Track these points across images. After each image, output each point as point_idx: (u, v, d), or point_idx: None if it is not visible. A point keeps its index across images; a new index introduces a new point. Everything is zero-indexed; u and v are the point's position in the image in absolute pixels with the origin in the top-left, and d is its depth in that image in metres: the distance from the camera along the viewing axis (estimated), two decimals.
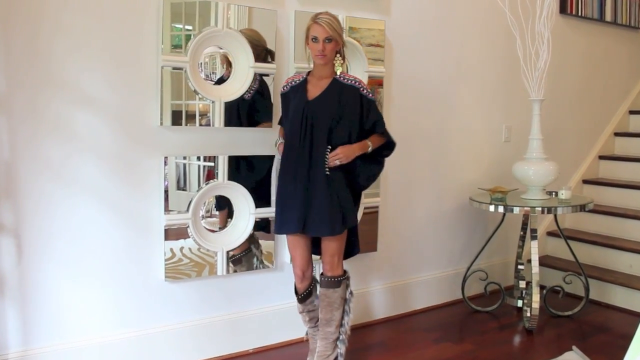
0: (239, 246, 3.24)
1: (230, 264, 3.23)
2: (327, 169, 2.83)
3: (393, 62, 3.78)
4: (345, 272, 3.00)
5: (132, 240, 2.97)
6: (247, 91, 3.15)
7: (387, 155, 3.05)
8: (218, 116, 3.08)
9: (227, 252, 3.20)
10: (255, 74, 3.16)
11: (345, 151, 2.83)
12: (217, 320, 3.25)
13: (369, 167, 2.99)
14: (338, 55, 2.89)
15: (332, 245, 2.91)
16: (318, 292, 3.03)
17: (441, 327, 3.83)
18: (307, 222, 2.85)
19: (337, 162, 2.83)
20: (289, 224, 2.88)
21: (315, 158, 2.83)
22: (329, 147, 2.83)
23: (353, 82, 2.90)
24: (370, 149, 2.90)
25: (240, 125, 3.18)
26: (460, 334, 3.78)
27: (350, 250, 3.08)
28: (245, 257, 3.31)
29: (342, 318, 2.98)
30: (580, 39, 4.99)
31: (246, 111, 3.18)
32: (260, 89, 3.20)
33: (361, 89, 2.89)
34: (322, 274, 2.99)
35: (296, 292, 3.07)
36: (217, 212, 3.23)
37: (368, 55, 3.55)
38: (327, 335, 2.97)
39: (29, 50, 2.64)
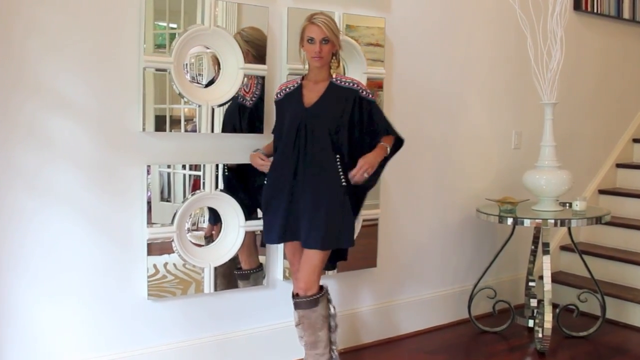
0: (249, 262, 3.31)
1: (239, 280, 3.30)
2: (343, 180, 2.90)
3: (394, 62, 3.79)
4: (321, 287, 3.01)
5: (112, 255, 2.97)
6: (241, 96, 3.17)
7: (394, 154, 3.11)
8: (205, 121, 3.09)
9: (215, 268, 3.20)
10: (255, 78, 3.20)
11: (369, 162, 2.91)
12: (204, 341, 3.25)
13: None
14: (334, 58, 2.95)
15: (315, 258, 2.92)
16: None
17: (446, 348, 3.83)
18: (298, 231, 2.92)
19: (366, 176, 2.91)
20: (278, 232, 2.95)
21: (316, 166, 2.88)
22: (338, 155, 2.89)
23: (350, 84, 2.96)
24: (389, 151, 2.99)
25: (242, 132, 3.22)
26: (466, 356, 3.78)
27: (341, 253, 3.15)
28: (254, 275, 3.33)
29: (329, 336, 3.01)
30: (595, 38, 5.02)
31: (247, 118, 3.21)
32: (262, 95, 3.24)
33: (360, 90, 2.96)
34: (296, 294, 3.00)
35: (293, 297, 3.09)
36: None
37: (367, 56, 3.57)
38: (316, 358, 2.99)
39: None
